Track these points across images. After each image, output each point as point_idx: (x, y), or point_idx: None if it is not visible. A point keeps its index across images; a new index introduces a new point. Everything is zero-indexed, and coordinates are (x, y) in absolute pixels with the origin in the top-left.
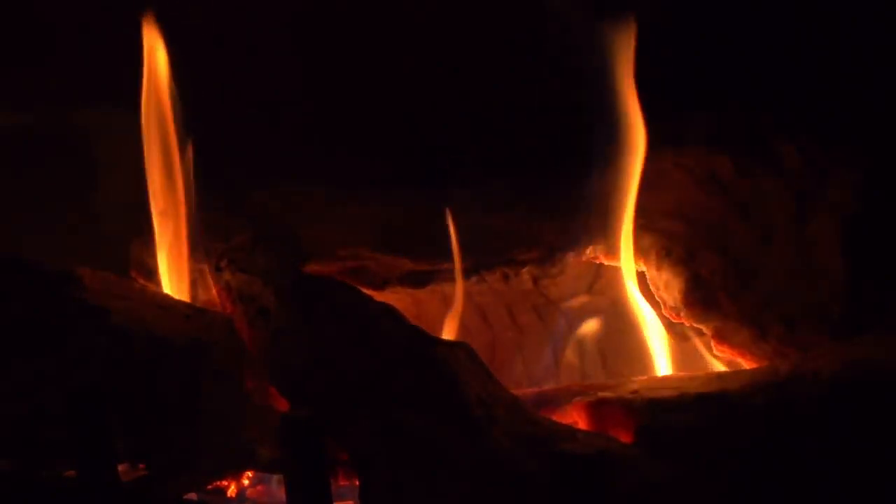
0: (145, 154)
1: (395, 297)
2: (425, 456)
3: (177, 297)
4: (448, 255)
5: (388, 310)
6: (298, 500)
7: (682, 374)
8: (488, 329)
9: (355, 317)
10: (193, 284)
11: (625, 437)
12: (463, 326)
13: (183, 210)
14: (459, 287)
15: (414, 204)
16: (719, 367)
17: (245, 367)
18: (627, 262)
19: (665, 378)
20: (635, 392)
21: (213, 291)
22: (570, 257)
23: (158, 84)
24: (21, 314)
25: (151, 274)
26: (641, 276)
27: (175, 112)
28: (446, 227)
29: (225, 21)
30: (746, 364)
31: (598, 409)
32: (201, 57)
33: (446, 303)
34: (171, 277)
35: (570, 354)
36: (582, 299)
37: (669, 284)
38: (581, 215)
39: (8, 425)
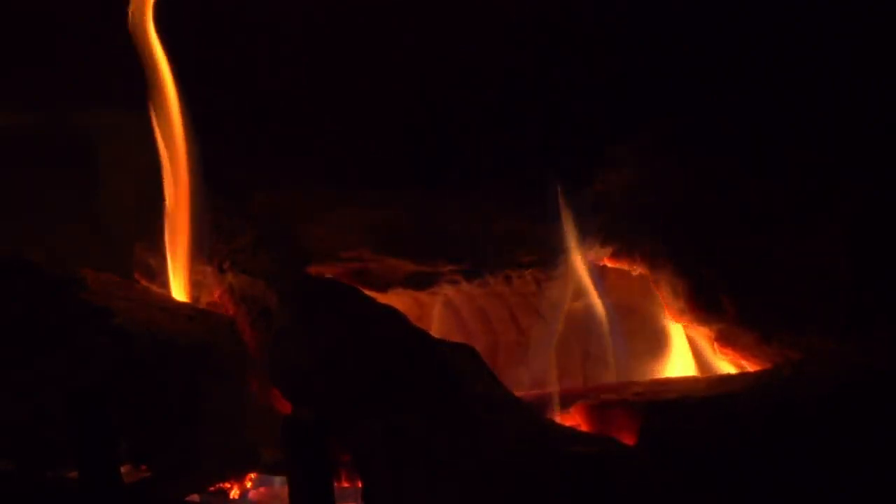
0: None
1: (397, 300)
2: (427, 457)
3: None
4: (450, 257)
5: (390, 311)
6: (301, 502)
7: (685, 376)
8: (490, 331)
9: (357, 318)
10: (197, 286)
11: (628, 440)
12: (465, 329)
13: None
14: None
15: (417, 206)
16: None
17: (248, 369)
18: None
19: (668, 380)
20: (638, 394)
21: (216, 293)
22: (573, 260)
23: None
24: (22, 314)
25: (155, 275)
26: (645, 279)
27: (181, 112)
28: (449, 229)
29: (228, 21)
30: (750, 366)
31: (600, 411)
32: (203, 57)
33: (449, 305)
34: (176, 279)
35: (573, 357)
36: (584, 301)
37: (673, 286)
38: (584, 218)
39: (9, 426)
